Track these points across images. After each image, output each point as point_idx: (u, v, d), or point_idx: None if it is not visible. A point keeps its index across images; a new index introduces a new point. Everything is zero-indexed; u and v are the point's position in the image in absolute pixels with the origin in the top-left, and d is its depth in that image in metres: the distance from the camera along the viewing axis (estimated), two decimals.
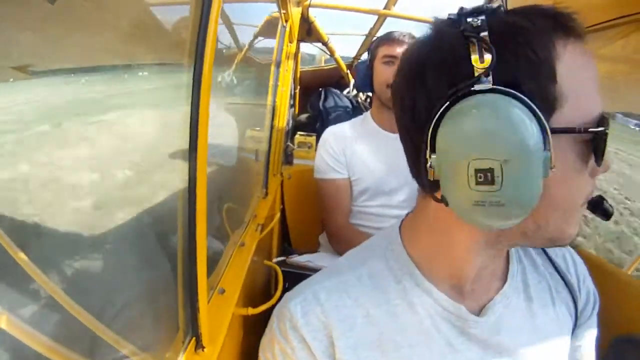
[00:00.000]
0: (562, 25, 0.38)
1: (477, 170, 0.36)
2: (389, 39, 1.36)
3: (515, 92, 0.36)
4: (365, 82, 1.40)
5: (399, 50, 1.33)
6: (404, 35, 1.35)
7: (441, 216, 0.48)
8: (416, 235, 0.52)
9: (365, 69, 1.41)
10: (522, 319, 0.53)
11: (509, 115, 0.35)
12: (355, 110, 2.63)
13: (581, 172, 0.41)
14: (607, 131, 0.38)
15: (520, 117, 0.35)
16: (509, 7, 0.44)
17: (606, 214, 0.51)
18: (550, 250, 0.59)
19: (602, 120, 0.38)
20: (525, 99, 0.35)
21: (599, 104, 0.39)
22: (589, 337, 0.60)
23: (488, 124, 0.35)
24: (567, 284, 0.57)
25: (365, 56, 1.59)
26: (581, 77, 0.39)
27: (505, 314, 0.52)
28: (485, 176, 0.36)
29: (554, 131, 0.36)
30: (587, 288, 0.60)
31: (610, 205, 0.52)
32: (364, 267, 0.53)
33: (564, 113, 0.38)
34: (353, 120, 1.52)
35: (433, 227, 0.50)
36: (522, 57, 0.37)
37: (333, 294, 0.51)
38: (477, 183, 0.36)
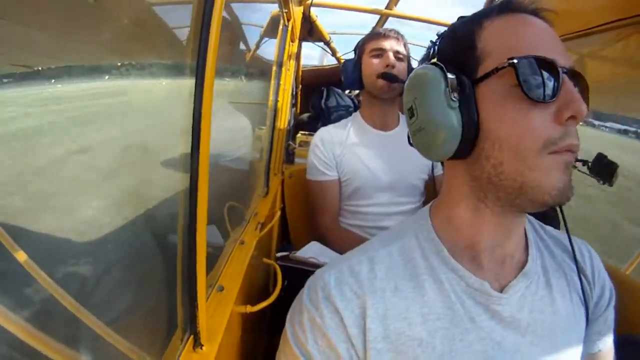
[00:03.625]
0: (492, 9, 0.51)
1: (408, 111, 0.53)
2: (376, 34, 1.40)
3: (436, 62, 0.51)
4: (354, 78, 1.41)
5: (386, 43, 1.36)
6: (390, 31, 1.38)
7: (445, 183, 0.57)
8: (439, 212, 0.58)
9: (352, 67, 1.41)
10: (543, 302, 0.55)
11: (419, 73, 0.52)
12: (357, 110, 2.62)
13: (523, 109, 0.45)
14: (519, 62, 0.45)
15: (423, 72, 0.51)
16: None
17: (603, 175, 0.52)
18: (567, 240, 0.62)
19: (513, 62, 0.45)
20: (440, 64, 0.49)
21: (522, 50, 0.46)
22: (606, 330, 0.63)
23: (410, 81, 0.53)
24: (582, 274, 0.59)
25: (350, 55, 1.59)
26: (495, 39, 0.49)
27: (527, 294, 0.54)
28: (411, 111, 0.52)
29: (481, 79, 0.48)
30: (602, 281, 0.62)
31: (610, 165, 0.52)
32: (395, 244, 0.56)
33: (486, 65, 0.48)
34: (343, 120, 1.52)
35: (445, 197, 0.57)
36: (449, 42, 0.53)
37: (365, 267, 0.54)
38: (410, 118, 0.53)
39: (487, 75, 0.47)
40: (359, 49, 1.43)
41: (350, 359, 0.51)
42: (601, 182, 0.56)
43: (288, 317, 0.56)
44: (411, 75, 0.53)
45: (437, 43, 0.54)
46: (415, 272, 0.54)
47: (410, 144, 0.58)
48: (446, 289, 0.52)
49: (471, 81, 0.48)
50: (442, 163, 0.58)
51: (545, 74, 0.45)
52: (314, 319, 0.52)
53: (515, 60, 0.45)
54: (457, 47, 0.52)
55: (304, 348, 0.52)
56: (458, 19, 0.55)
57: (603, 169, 0.56)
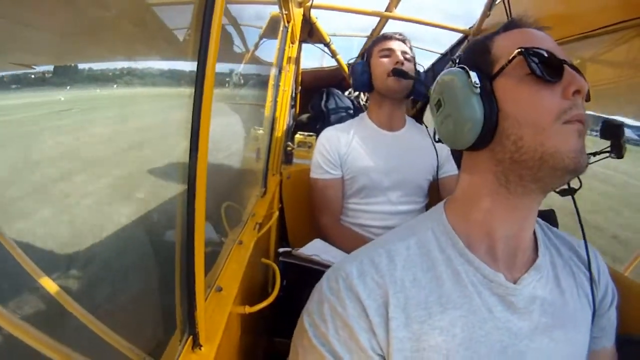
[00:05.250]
0: (503, 27, 0.60)
1: (435, 105, 0.60)
2: (383, 37, 1.46)
3: (460, 65, 0.58)
4: (364, 81, 1.44)
5: (393, 44, 1.41)
6: (396, 34, 1.44)
7: (465, 176, 0.61)
8: (455, 206, 0.61)
9: (361, 68, 1.44)
10: (552, 295, 0.58)
11: (444, 74, 0.59)
12: (357, 111, 2.62)
13: (535, 90, 0.52)
14: (527, 50, 0.53)
15: (448, 73, 0.59)
16: (513, 6, 0.54)
17: (611, 137, 0.58)
18: (573, 241, 0.67)
19: (522, 50, 0.54)
20: (464, 66, 0.57)
21: (527, 45, 0.54)
22: (610, 327, 0.66)
23: (436, 82, 0.61)
24: (587, 272, 0.63)
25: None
26: (506, 44, 0.57)
27: (538, 287, 0.57)
28: (438, 104, 0.59)
29: (497, 74, 0.55)
30: (606, 280, 0.66)
31: (618, 127, 0.58)
32: (412, 237, 0.59)
33: (499, 63, 0.56)
34: (350, 121, 1.55)
35: (464, 189, 0.60)
36: (470, 52, 0.62)
37: (385, 259, 0.56)
38: (437, 110, 0.60)
39: (501, 69, 0.55)
40: (367, 52, 1.47)
41: (371, 349, 0.51)
42: (611, 150, 0.60)
43: (305, 309, 0.57)
44: (437, 78, 0.61)
45: (457, 57, 0.63)
46: (432, 264, 0.56)
47: (437, 141, 0.64)
48: (463, 279, 0.55)
49: (489, 78, 0.55)
50: (460, 160, 0.63)
51: (549, 61, 0.53)
52: (335, 308, 0.53)
53: (523, 49, 0.53)
54: (474, 55, 0.60)
55: (325, 339, 0.52)
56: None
57: (612, 132, 0.60)
